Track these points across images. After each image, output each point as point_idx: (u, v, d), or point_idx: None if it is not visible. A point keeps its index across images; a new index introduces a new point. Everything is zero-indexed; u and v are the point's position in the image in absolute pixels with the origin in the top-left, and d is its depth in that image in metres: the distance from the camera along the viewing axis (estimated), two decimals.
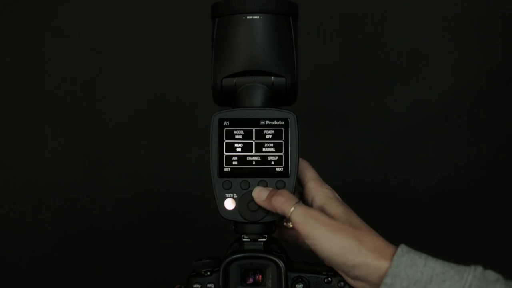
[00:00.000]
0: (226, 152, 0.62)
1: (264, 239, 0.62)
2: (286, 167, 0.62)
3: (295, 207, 0.58)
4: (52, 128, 1.15)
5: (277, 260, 0.61)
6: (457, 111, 1.16)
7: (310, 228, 0.57)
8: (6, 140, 1.16)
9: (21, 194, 1.15)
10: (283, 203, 0.59)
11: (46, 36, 1.15)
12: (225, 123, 0.62)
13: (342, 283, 0.60)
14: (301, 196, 0.64)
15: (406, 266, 0.54)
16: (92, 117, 1.16)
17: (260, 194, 0.61)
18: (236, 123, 0.62)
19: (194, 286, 0.62)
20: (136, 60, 1.15)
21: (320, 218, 0.57)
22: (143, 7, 1.15)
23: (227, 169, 0.62)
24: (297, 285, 0.61)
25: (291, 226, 0.59)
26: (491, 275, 0.53)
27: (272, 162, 0.62)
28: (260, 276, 0.62)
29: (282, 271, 0.61)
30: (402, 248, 0.56)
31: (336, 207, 0.60)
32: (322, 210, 0.60)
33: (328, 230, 0.56)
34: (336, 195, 0.62)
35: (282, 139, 0.62)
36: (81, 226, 1.15)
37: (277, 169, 0.62)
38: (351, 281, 0.58)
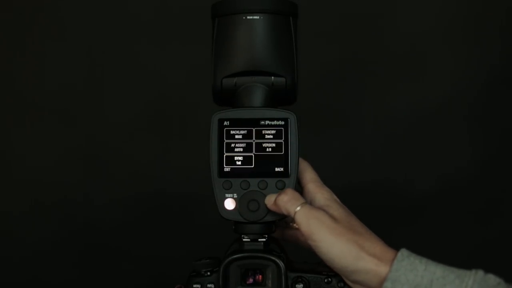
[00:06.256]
0: (226, 152, 0.62)
1: (264, 239, 0.62)
2: (286, 167, 0.62)
3: (300, 207, 0.58)
4: (52, 127, 1.15)
5: (277, 260, 0.61)
6: (457, 111, 1.16)
7: (313, 229, 0.57)
8: (6, 140, 1.16)
9: (21, 193, 1.15)
10: (287, 202, 0.59)
11: (47, 36, 1.15)
12: (225, 123, 0.62)
13: (342, 284, 0.60)
14: None
15: (406, 271, 0.54)
16: (92, 117, 1.16)
17: (270, 200, 0.61)
18: (236, 123, 0.62)
19: (194, 286, 0.62)
20: (136, 60, 1.15)
21: (324, 219, 0.57)
22: (143, 7, 1.15)
23: (227, 169, 0.62)
24: (297, 285, 0.61)
25: (296, 227, 0.59)
26: (492, 279, 0.53)
27: (272, 162, 0.62)
28: (260, 276, 0.62)
29: (282, 271, 0.61)
30: (403, 252, 0.56)
31: (336, 209, 0.60)
32: None
33: (330, 233, 0.56)
34: (335, 197, 0.62)
35: (282, 139, 0.62)
36: (81, 226, 1.15)
37: (277, 169, 0.62)
38: (351, 284, 0.58)
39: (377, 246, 0.57)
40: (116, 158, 1.16)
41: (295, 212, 0.58)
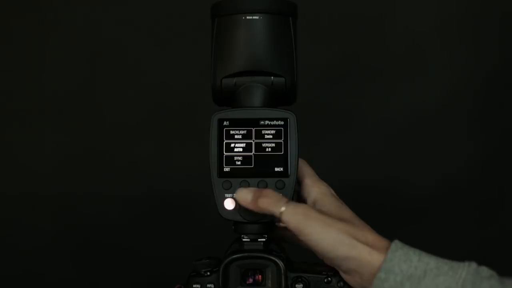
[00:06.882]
0: (225, 152, 0.62)
1: (264, 239, 0.62)
2: (285, 167, 0.62)
3: (284, 207, 0.58)
4: (52, 127, 1.15)
5: (277, 260, 0.61)
6: (457, 110, 1.16)
7: (301, 226, 0.57)
8: (6, 139, 1.16)
9: (21, 193, 1.15)
10: (270, 204, 0.58)
11: (46, 36, 1.15)
12: (225, 123, 0.62)
13: (341, 283, 0.60)
14: (298, 193, 0.64)
15: (400, 261, 0.54)
16: (92, 117, 1.16)
17: (243, 196, 0.60)
18: (236, 123, 0.62)
19: (194, 286, 0.62)
20: (136, 60, 1.15)
21: (310, 213, 0.57)
22: (143, 7, 1.15)
23: (226, 169, 0.62)
24: (297, 285, 0.61)
25: (283, 225, 0.59)
26: (485, 271, 0.53)
27: (272, 162, 0.62)
28: (260, 276, 0.62)
29: (282, 271, 0.61)
30: (396, 243, 0.56)
31: (328, 203, 0.60)
32: (314, 205, 0.60)
33: (319, 225, 0.56)
34: (332, 191, 0.62)
35: (281, 139, 0.62)
36: (81, 225, 1.16)
37: (277, 169, 0.62)
38: (344, 275, 0.58)
39: (369, 235, 0.57)
40: (116, 157, 1.16)
41: (281, 213, 0.58)
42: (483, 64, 1.16)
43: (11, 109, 1.16)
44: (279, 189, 0.61)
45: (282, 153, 0.62)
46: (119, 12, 1.15)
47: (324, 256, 0.58)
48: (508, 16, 1.15)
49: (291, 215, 0.57)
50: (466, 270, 0.53)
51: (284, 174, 0.62)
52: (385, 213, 1.15)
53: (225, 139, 0.62)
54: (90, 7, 1.15)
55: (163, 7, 1.15)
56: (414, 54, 1.16)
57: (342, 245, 0.56)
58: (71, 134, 1.15)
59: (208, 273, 0.62)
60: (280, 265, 0.61)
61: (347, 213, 0.59)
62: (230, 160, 0.62)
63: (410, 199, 1.17)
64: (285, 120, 0.62)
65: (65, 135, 1.15)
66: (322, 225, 0.56)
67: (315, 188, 0.62)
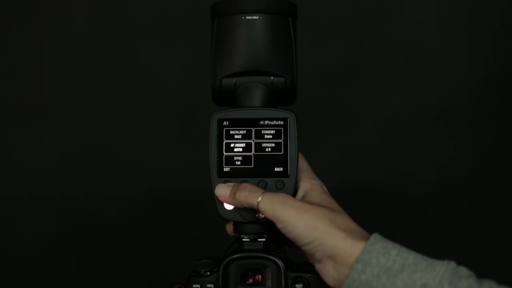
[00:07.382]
0: (225, 152, 0.62)
1: (263, 239, 0.62)
2: (285, 167, 0.62)
3: (261, 197, 0.58)
4: (52, 127, 1.15)
5: (276, 260, 0.61)
6: (456, 110, 1.16)
7: (277, 212, 0.57)
8: (6, 140, 1.16)
9: (22, 193, 1.16)
10: (247, 196, 0.59)
11: (46, 36, 1.15)
12: (225, 123, 0.62)
13: None
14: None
15: (379, 254, 0.54)
16: (92, 117, 1.16)
17: (222, 192, 0.61)
18: (236, 123, 0.62)
19: (194, 286, 0.62)
20: (136, 60, 1.15)
21: (287, 201, 0.57)
22: (143, 7, 1.15)
23: (226, 169, 0.62)
24: (296, 285, 0.61)
25: (262, 216, 0.59)
26: (463, 271, 0.53)
27: (272, 162, 0.62)
28: (260, 276, 0.62)
29: (282, 271, 0.61)
30: (376, 236, 0.55)
31: (313, 196, 0.60)
32: (302, 198, 0.60)
33: (294, 210, 0.56)
34: (324, 188, 0.62)
35: (281, 139, 0.62)
36: (81, 225, 1.16)
37: (277, 169, 0.62)
38: (318, 266, 0.57)
39: (348, 223, 0.56)
40: (115, 157, 1.16)
41: (258, 203, 0.58)
42: (480, 64, 1.16)
43: (11, 109, 1.16)
44: (279, 189, 0.61)
45: (282, 153, 0.62)
46: (119, 12, 1.15)
47: (300, 244, 0.57)
48: (507, 17, 1.15)
49: (268, 203, 0.57)
50: (444, 268, 0.53)
51: (284, 174, 0.62)
52: (385, 213, 1.15)
53: (225, 139, 0.62)
54: (90, 7, 1.15)
55: (162, 8, 1.15)
56: (413, 54, 1.16)
57: (316, 230, 0.55)
58: (71, 134, 1.15)
59: (208, 273, 0.62)
60: (280, 265, 0.61)
61: (331, 204, 0.59)
62: (230, 160, 0.62)
63: (410, 199, 1.16)
64: (284, 120, 0.62)
65: (65, 135, 1.15)
66: (297, 210, 0.56)
67: (306, 184, 0.62)
